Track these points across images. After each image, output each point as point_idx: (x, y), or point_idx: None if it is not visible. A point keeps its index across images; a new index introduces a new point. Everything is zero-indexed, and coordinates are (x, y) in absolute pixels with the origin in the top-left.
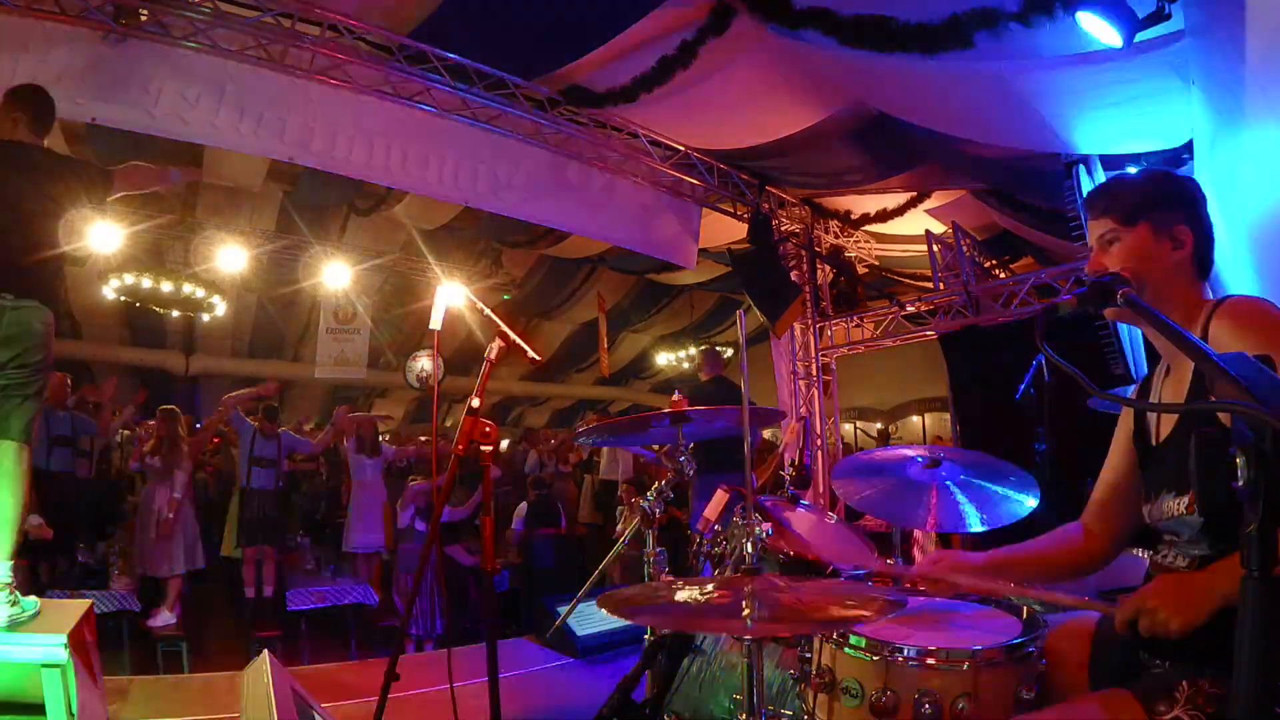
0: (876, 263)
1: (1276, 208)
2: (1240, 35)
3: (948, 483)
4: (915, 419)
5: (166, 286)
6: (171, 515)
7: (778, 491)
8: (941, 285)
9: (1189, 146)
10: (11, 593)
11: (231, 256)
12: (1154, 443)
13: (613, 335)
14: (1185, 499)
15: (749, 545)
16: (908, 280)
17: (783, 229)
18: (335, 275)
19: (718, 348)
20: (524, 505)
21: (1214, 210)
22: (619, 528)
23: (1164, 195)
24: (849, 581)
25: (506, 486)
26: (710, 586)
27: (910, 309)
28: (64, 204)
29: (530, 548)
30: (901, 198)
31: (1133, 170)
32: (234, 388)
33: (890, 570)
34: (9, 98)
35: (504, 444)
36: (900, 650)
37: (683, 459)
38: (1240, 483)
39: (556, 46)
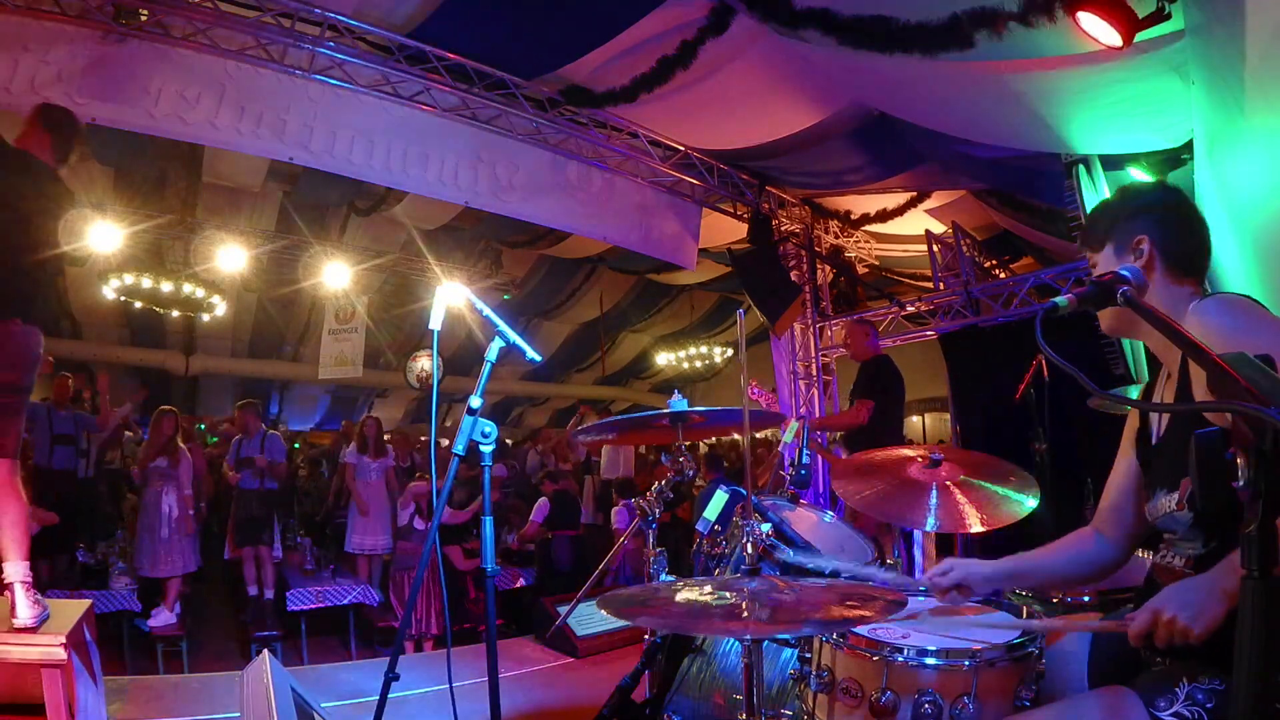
0: (876, 263)
1: (1277, 208)
2: (1240, 35)
3: (948, 483)
4: (915, 419)
5: (166, 286)
6: (188, 511)
7: (777, 491)
8: (941, 285)
9: (1189, 146)
10: (33, 591)
11: (231, 256)
12: (1153, 442)
13: (613, 335)
14: (1176, 495)
15: (749, 545)
16: (908, 280)
17: (783, 229)
18: (335, 275)
19: (861, 318)
20: (544, 501)
21: (1214, 210)
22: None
23: (1120, 213)
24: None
25: (510, 488)
26: (710, 588)
27: (910, 309)
28: (51, 224)
29: (548, 549)
30: (901, 198)
31: (1134, 170)
32: (234, 388)
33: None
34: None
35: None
36: (900, 650)
37: (683, 459)
38: (1240, 483)
39: (556, 46)
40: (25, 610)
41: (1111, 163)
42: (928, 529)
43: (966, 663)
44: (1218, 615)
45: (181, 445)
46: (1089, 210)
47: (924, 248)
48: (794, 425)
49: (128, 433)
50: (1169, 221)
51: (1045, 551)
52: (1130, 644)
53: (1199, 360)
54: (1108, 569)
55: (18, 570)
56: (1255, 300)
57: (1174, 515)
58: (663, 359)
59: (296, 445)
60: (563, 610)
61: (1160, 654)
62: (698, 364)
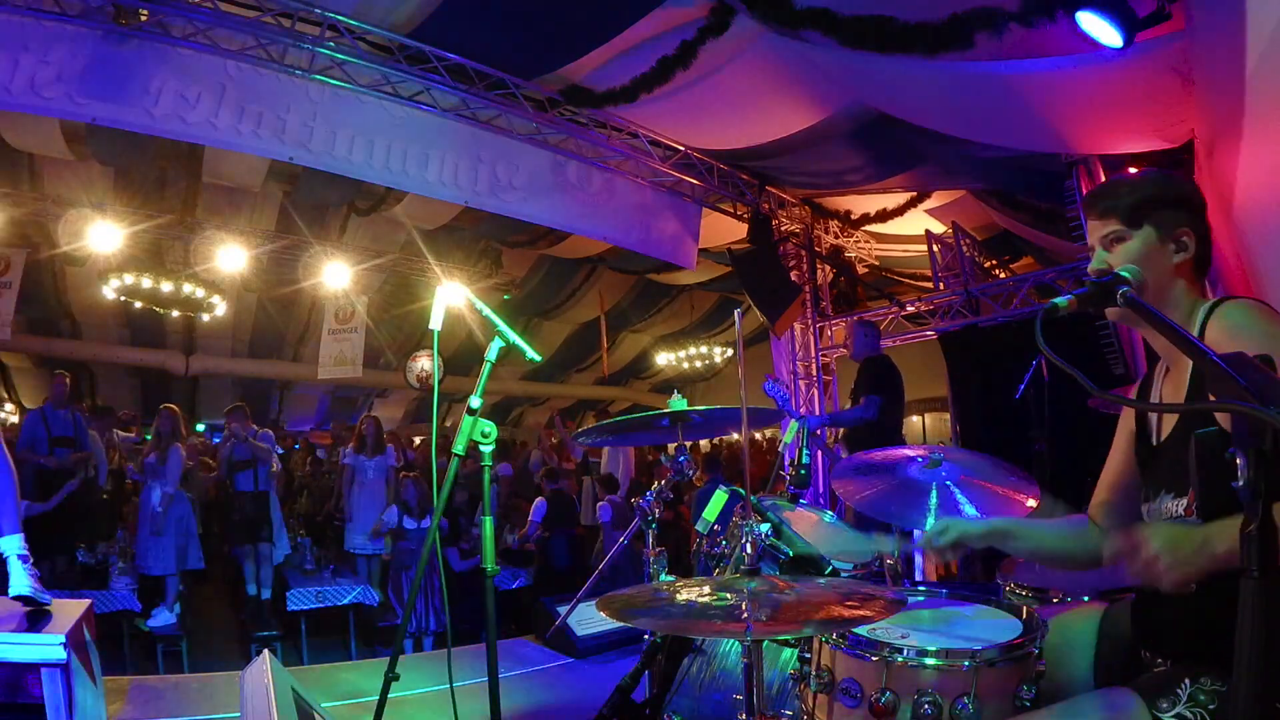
0: (876, 263)
1: (1276, 208)
2: (1240, 35)
3: (948, 483)
4: (915, 419)
5: (166, 286)
6: (161, 510)
7: (777, 491)
8: (941, 285)
9: (1189, 146)
10: (34, 567)
11: (231, 256)
12: (1154, 443)
13: (613, 335)
14: (1184, 501)
15: (749, 545)
16: (908, 280)
17: (783, 229)
18: (335, 275)
19: (862, 319)
20: (541, 501)
21: (1214, 210)
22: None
23: (1168, 198)
24: (853, 579)
25: (512, 487)
26: (710, 588)
27: (910, 309)
28: None
29: (547, 549)
30: (901, 198)
31: (1133, 170)
32: (234, 388)
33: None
34: None
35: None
36: (900, 650)
37: (683, 459)
38: (1240, 483)
39: (556, 46)
40: (24, 580)
41: (1111, 163)
42: (928, 529)
43: (966, 663)
44: (1194, 574)
45: (177, 444)
46: (1114, 179)
47: (924, 248)
48: (794, 425)
49: (124, 433)
50: (1204, 221)
51: (1042, 522)
52: (1125, 635)
53: (1199, 361)
54: (1098, 559)
55: (12, 544)
56: (1268, 304)
57: (1180, 520)
58: (663, 359)
59: (297, 446)
60: (563, 610)
61: (1162, 655)
62: (698, 364)
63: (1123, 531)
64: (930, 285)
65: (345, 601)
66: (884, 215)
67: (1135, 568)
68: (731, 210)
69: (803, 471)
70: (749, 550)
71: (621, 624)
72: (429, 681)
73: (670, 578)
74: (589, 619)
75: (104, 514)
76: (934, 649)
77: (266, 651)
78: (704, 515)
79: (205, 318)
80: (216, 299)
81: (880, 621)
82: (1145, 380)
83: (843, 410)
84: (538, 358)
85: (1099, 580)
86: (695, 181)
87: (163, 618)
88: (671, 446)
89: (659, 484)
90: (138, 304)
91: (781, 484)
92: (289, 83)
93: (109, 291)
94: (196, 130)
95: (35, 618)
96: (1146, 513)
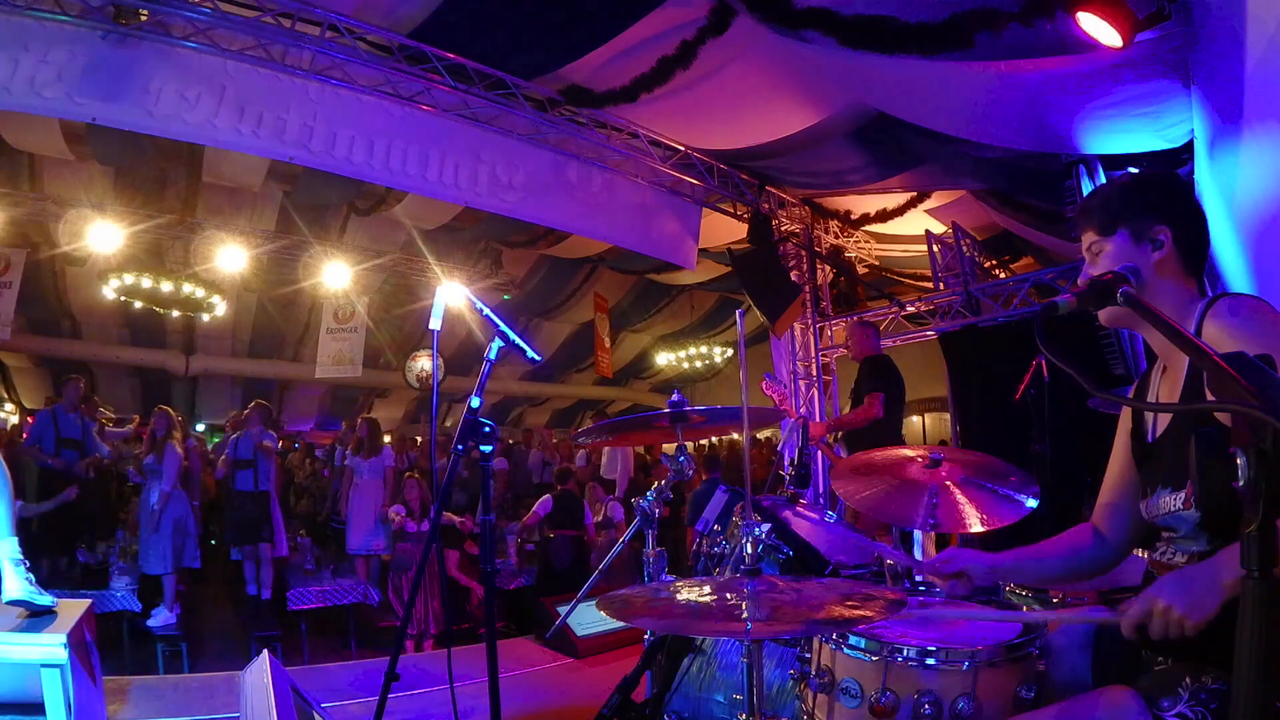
0: (876, 263)
1: (1276, 208)
2: (1240, 35)
3: (948, 483)
4: (915, 419)
5: (166, 286)
6: (159, 508)
7: (777, 491)
8: (941, 285)
9: (1189, 146)
10: (29, 571)
11: (231, 256)
12: (1150, 440)
13: (613, 335)
14: (1182, 494)
15: (749, 545)
16: (908, 280)
17: (783, 229)
18: (335, 275)
19: (862, 319)
20: (548, 498)
21: (1214, 210)
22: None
23: (1137, 200)
24: (853, 579)
25: (508, 484)
26: (710, 588)
27: (910, 309)
28: None
29: (548, 549)
30: (901, 198)
31: (1134, 170)
32: (234, 388)
33: (900, 562)
34: None
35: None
36: (900, 650)
37: (683, 459)
38: (1240, 482)
39: (556, 46)
40: (19, 585)
41: (1112, 163)
42: (927, 529)
43: (966, 663)
44: (1213, 608)
45: (172, 442)
46: (1092, 192)
47: (924, 248)
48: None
49: (117, 429)
50: (1188, 215)
51: (1044, 547)
52: (1127, 638)
53: (1199, 360)
54: (1105, 565)
55: (5, 548)
56: (1265, 301)
57: (1179, 514)
58: (663, 359)
59: (296, 446)
60: (563, 610)
61: (1163, 653)
62: (698, 364)
63: (1133, 604)
64: (930, 285)
65: (345, 602)
66: (884, 215)
67: (1156, 628)
68: (731, 210)
69: (803, 471)
70: (749, 550)
71: (621, 624)
72: (429, 681)
73: (671, 577)
74: (589, 619)
75: (104, 514)
76: (934, 649)
77: (266, 651)
78: (704, 515)
79: (205, 318)
80: (216, 299)
81: (880, 621)
82: (1143, 380)
83: (847, 414)
84: (538, 358)
85: (1099, 580)
86: (695, 181)
87: (163, 618)
88: (672, 447)
89: (659, 484)
90: (138, 304)
91: (781, 483)
92: (289, 83)
93: (109, 291)
94: (196, 130)
95: (36, 617)
96: (1144, 509)
